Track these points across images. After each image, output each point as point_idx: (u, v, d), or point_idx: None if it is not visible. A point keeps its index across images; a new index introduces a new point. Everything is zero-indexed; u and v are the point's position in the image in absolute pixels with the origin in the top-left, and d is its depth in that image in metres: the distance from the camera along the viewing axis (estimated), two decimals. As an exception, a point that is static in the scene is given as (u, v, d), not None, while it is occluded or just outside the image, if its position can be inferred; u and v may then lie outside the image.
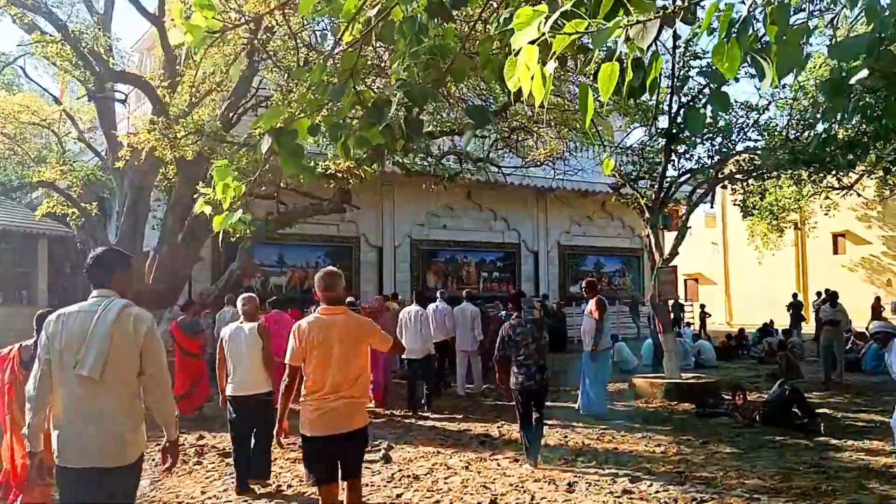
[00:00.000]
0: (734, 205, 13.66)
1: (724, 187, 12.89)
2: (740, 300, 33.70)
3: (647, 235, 12.39)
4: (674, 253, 12.10)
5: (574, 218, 25.86)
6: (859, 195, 26.75)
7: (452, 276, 23.49)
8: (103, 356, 3.41)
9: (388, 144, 4.18)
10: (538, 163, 15.78)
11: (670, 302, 12.53)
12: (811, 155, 11.97)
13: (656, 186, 12.25)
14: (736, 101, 13.06)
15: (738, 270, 33.80)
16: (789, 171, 12.51)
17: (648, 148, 13.06)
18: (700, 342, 17.06)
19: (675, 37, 11.87)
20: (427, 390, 11.30)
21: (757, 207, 16.37)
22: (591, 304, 10.38)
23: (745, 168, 12.39)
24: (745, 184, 12.79)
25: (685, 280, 34.15)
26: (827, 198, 26.53)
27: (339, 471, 4.58)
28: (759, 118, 12.63)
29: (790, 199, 25.93)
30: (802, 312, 23.42)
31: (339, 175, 11.78)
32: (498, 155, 15.79)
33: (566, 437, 9.12)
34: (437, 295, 13.15)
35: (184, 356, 11.29)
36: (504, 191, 23.05)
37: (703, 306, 25.51)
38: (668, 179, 12.38)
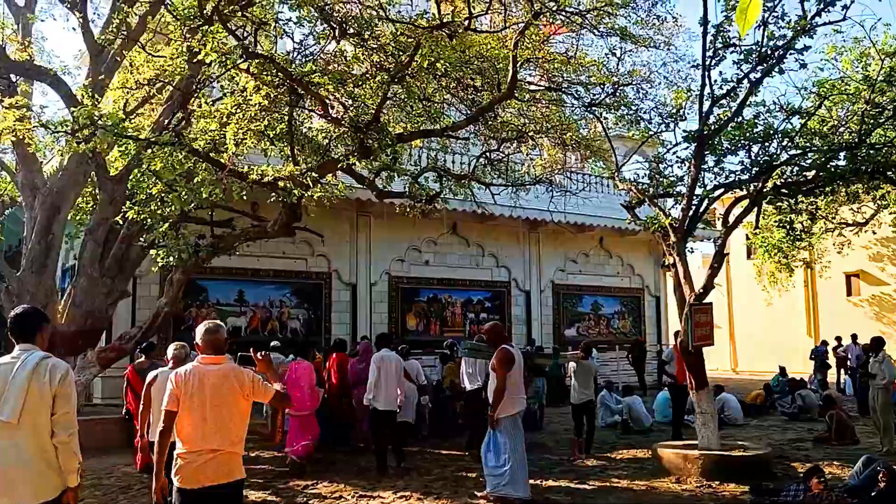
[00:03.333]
0: (778, 227, 10.84)
1: (771, 202, 10.11)
2: (746, 345, 30.70)
3: (674, 264, 9.54)
4: (709, 286, 9.23)
5: (569, 255, 23.03)
6: (874, 233, 24.17)
7: (436, 317, 20.53)
8: (20, 403, 3.63)
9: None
10: (532, 181, 13.02)
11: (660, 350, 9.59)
12: (879, 163, 9.25)
13: (683, 203, 9.44)
14: (775, 103, 10.35)
15: (743, 313, 30.78)
16: (850, 184, 9.76)
17: (675, 156, 10.29)
18: (723, 395, 14.08)
19: (706, 20, 9.23)
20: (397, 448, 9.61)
21: (806, 230, 13.51)
22: (494, 357, 7.40)
23: (795, 180, 9.63)
24: (792, 201, 10.00)
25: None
26: (840, 235, 23.94)
27: None
28: (806, 121, 9.88)
29: (801, 236, 23.31)
30: (828, 360, 20.33)
31: (281, 185, 8.91)
32: (483, 173, 12.98)
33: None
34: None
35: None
36: (493, 224, 20.32)
37: (659, 352, 22.27)
38: (699, 194, 9.58)
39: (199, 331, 4.37)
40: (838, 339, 20.90)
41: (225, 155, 9.26)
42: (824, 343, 20.52)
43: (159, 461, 4.24)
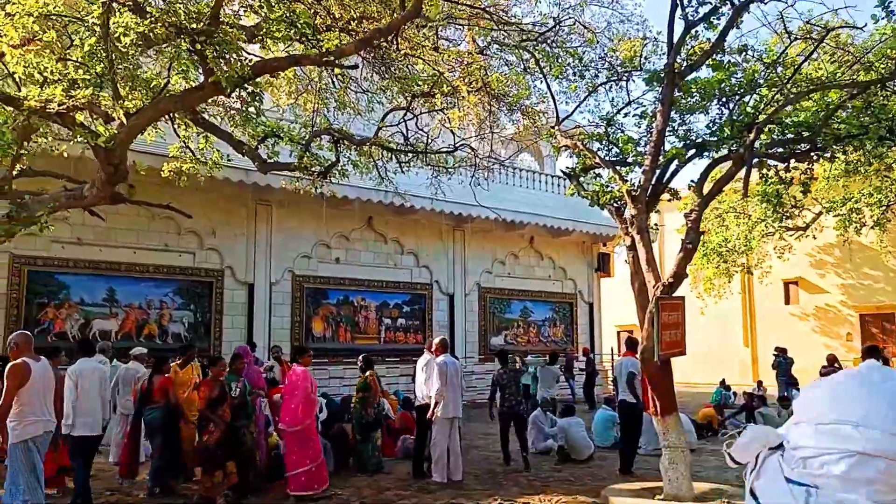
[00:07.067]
0: (763, 201, 8.38)
1: (758, 167, 7.60)
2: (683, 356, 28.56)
3: (631, 246, 6.93)
4: (681, 273, 6.65)
5: (497, 255, 20.36)
6: (815, 237, 22.33)
7: (346, 322, 17.58)
8: None
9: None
10: (451, 150, 10.30)
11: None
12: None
13: (647, 164, 6.83)
14: (754, 49, 7.88)
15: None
16: (855, 148, 7.32)
17: (633, 111, 7.68)
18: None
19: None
20: None
21: (797, 206, 11.09)
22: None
23: (787, 139, 7.16)
24: (782, 167, 7.53)
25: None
26: (781, 239, 21.99)
27: None
28: (799, 66, 7.43)
29: (740, 239, 21.25)
30: (793, 373, 17.51)
31: (79, 118, 5.92)
32: (391, 139, 10.23)
33: None
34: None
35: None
36: (412, 218, 17.60)
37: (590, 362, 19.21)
38: (664, 155, 6.99)
39: None
40: (782, 350, 18.56)
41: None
42: (783, 351, 17.75)
43: None
